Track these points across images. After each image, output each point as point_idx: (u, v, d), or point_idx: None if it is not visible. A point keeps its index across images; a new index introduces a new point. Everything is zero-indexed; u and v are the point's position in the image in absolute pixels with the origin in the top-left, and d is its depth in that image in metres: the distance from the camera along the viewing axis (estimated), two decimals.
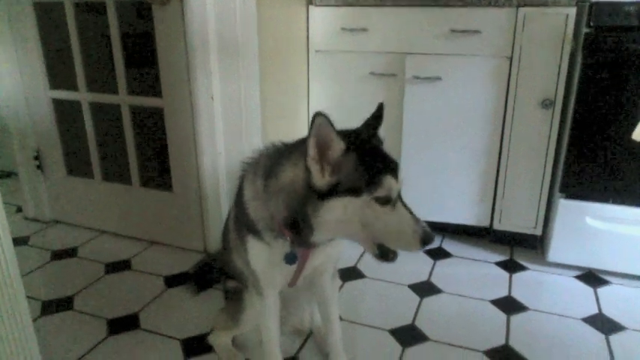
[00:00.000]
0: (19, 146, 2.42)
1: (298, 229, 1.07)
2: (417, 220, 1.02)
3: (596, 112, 1.82)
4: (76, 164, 2.41)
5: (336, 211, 1.00)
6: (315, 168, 0.99)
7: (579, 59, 1.81)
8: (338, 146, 0.98)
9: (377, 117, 1.12)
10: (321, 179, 0.99)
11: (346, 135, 1.00)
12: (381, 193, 0.99)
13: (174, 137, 2.10)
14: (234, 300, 1.49)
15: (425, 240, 1.00)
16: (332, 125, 0.96)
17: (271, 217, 1.12)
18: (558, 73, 1.90)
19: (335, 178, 0.99)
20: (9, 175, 3.04)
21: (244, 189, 1.20)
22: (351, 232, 1.05)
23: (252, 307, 1.41)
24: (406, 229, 1.01)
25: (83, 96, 2.23)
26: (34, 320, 1.68)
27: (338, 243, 1.25)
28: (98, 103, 2.24)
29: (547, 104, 1.93)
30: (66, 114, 2.36)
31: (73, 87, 2.23)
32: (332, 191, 0.99)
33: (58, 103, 2.32)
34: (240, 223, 1.24)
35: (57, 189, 2.45)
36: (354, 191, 0.98)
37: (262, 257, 1.21)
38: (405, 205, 1.04)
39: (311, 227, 1.04)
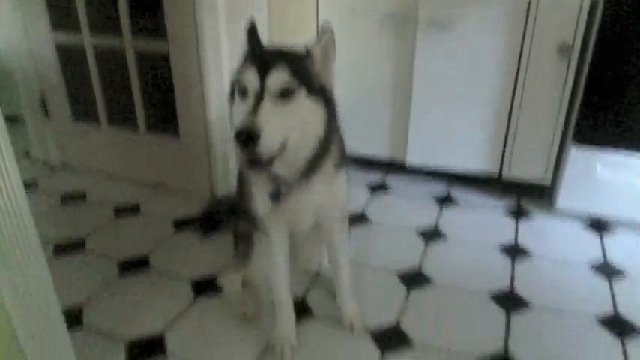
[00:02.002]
0: (24, 91, 2.40)
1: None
2: (249, 115, 0.97)
3: (615, 59, 1.76)
4: (82, 109, 2.40)
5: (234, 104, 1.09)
6: None
7: (601, 4, 1.74)
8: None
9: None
10: None
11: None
12: (241, 81, 1.03)
13: (180, 82, 2.06)
14: (244, 242, 1.51)
15: (236, 133, 0.96)
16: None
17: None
18: (578, 17, 1.82)
19: None
20: (16, 119, 3.03)
21: None
22: None
23: (261, 249, 1.43)
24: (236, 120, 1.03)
25: (86, 39, 2.19)
26: (47, 261, 1.71)
27: (338, 187, 1.25)
28: (102, 46, 2.20)
29: (565, 50, 1.87)
30: (70, 58, 2.31)
31: (76, 30, 2.18)
32: None
33: (61, 47, 2.28)
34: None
35: (63, 134, 2.45)
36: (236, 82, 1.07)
37: (261, 201, 1.22)
38: (257, 105, 0.98)
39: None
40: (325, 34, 1.08)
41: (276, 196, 1.17)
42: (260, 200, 1.23)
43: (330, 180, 1.20)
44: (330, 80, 1.11)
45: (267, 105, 0.99)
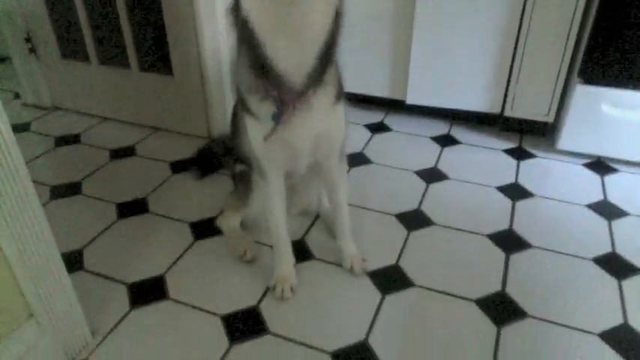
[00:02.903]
0: (9, 28, 2.28)
1: (262, 64, 1.02)
2: None
3: None
4: (71, 47, 2.30)
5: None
6: None
7: None
8: None
9: None
10: None
11: None
12: None
13: (171, 17, 1.96)
14: (243, 183, 1.49)
15: None
16: None
17: (247, 71, 1.08)
18: None
19: None
20: (3, 60, 2.93)
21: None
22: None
23: (259, 190, 1.41)
24: None
25: None
26: (44, 205, 1.70)
27: (337, 119, 1.21)
28: None
29: None
30: None
31: None
32: None
33: None
34: (241, 104, 1.20)
35: (53, 74, 2.36)
36: None
37: (259, 136, 1.17)
38: None
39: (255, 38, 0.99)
40: None
41: (278, 115, 1.11)
42: (255, 134, 1.18)
43: (329, 109, 1.16)
44: None
45: None
